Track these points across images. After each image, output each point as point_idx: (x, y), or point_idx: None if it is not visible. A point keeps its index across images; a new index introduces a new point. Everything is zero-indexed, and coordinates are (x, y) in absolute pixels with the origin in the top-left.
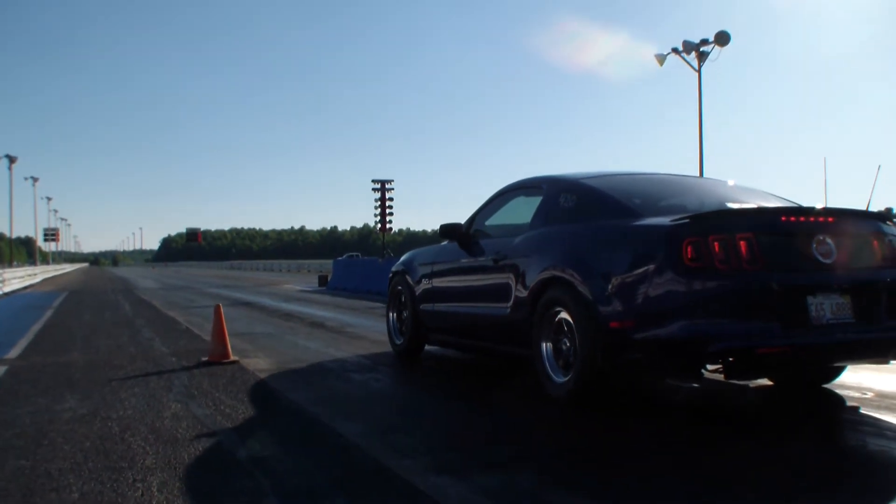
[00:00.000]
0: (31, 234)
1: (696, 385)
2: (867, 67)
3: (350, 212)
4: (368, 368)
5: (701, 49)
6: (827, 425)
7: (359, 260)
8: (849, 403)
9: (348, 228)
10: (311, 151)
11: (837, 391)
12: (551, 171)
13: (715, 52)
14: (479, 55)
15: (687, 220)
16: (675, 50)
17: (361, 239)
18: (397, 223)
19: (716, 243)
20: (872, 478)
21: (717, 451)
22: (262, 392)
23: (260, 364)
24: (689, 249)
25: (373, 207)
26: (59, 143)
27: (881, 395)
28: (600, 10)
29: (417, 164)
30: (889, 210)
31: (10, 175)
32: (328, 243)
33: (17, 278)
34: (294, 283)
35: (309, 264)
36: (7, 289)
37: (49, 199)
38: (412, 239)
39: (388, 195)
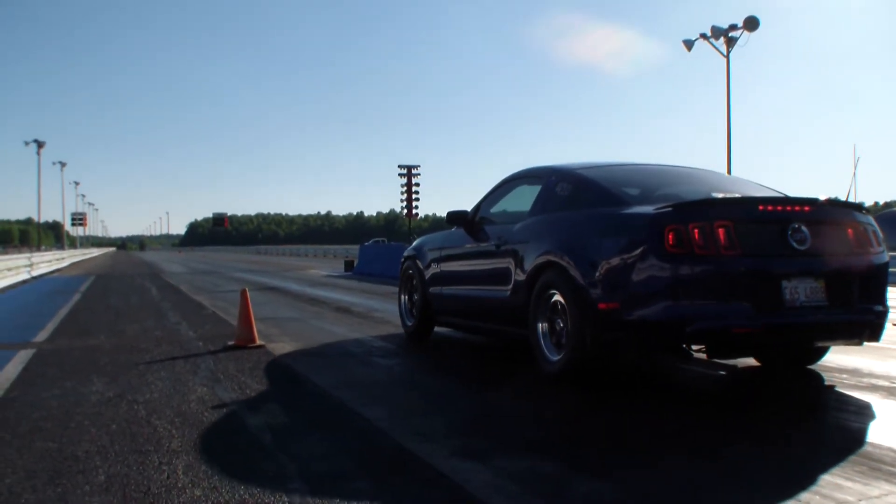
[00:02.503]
0: (58, 218)
1: (722, 373)
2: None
3: (376, 197)
4: (392, 353)
5: (729, 34)
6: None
7: (385, 245)
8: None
9: (374, 214)
10: (337, 137)
11: (867, 380)
12: (576, 158)
13: (744, 37)
14: (509, 42)
15: (669, 209)
16: (703, 35)
17: (388, 224)
18: (424, 208)
19: (696, 230)
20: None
21: (726, 438)
22: (288, 376)
23: (286, 348)
24: (670, 236)
25: (399, 193)
26: (87, 128)
27: None
28: (627, 3)
29: (444, 150)
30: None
31: (39, 160)
32: (354, 228)
33: (45, 262)
34: (320, 268)
35: (335, 249)
36: (35, 273)
37: (77, 183)
38: (438, 224)
39: (414, 180)
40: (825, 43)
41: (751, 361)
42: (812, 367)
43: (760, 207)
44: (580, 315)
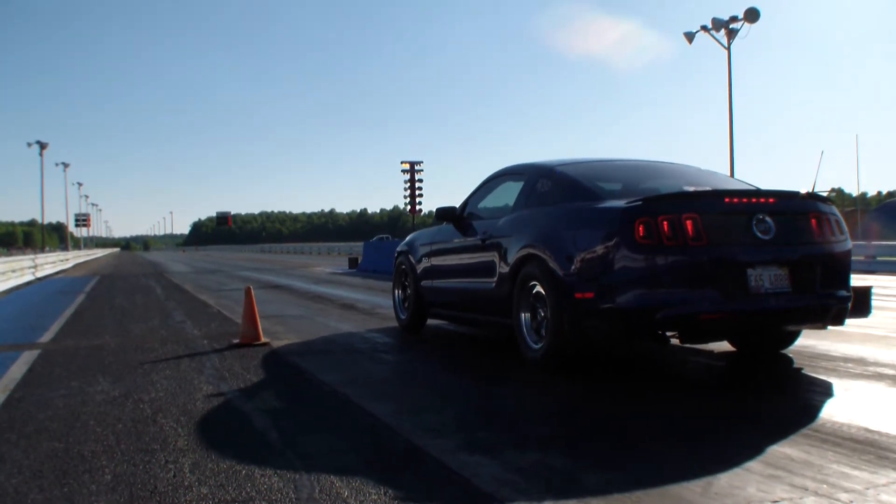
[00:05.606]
0: (62, 219)
1: (721, 363)
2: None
3: (380, 194)
4: (397, 349)
5: (730, 26)
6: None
7: (389, 242)
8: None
9: (378, 210)
10: (340, 134)
11: (872, 369)
12: (580, 151)
13: (744, 28)
14: (512, 36)
15: (639, 203)
16: (704, 28)
17: (391, 221)
18: (427, 204)
19: (664, 223)
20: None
21: (727, 428)
22: (293, 373)
23: (291, 346)
24: (640, 228)
25: (402, 189)
26: (90, 128)
27: None
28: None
29: (448, 145)
30: (833, 191)
31: (41, 161)
32: (358, 225)
33: (50, 263)
34: (324, 265)
35: (339, 247)
36: (40, 274)
37: (80, 184)
38: None
39: (417, 176)
40: (828, 32)
41: (740, 350)
42: (816, 355)
43: (726, 200)
44: (558, 304)
